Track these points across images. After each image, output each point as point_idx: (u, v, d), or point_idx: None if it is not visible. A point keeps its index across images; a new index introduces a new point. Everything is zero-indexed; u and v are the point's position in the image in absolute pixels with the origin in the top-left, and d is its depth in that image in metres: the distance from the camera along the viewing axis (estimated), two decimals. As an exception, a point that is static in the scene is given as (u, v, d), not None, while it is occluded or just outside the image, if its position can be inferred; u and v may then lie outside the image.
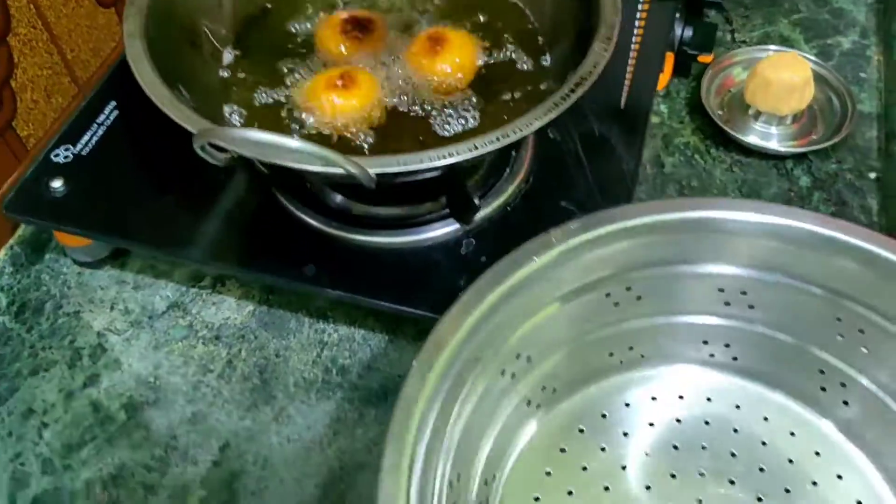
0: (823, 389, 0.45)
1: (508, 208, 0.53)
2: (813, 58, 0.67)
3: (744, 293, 0.44)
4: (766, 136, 0.65)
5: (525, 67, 0.53)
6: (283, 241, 0.53)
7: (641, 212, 0.41)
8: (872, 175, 0.63)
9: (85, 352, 0.56)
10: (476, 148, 0.39)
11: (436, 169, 0.40)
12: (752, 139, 0.64)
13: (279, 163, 0.37)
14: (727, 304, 0.45)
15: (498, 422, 0.43)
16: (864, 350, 0.43)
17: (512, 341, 0.40)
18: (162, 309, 0.58)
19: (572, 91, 0.41)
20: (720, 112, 0.66)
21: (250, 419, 0.52)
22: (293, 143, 0.34)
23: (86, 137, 0.57)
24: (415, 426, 0.35)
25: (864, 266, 0.40)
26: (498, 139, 0.39)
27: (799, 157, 0.64)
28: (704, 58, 0.66)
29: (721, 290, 0.44)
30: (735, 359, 0.47)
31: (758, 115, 0.65)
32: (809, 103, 0.64)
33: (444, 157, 0.39)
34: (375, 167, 0.38)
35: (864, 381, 0.44)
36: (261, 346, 0.56)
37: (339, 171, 0.38)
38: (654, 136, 0.66)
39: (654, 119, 0.67)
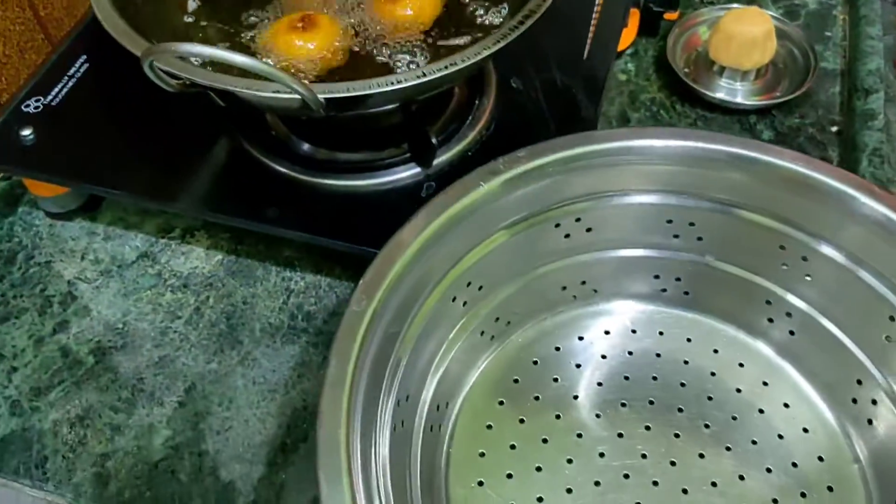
0: (771, 321, 0.46)
1: (469, 154, 0.54)
2: (778, 16, 0.68)
3: (692, 224, 0.45)
4: (730, 93, 0.65)
5: (483, 16, 0.54)
6: (250, 186, 0.54)
7: (585, 141, 0.42)
8: (834, 129, 0.64)
9: (55, 299, 0.56)
10: (424, 76, 0.40)
11: (385, 96, 0.40)
12: (716, 95, 0.64)
13: (226, 87, 0.38)
14: (676, 236, 0.46)
15: (451, 350, 0.44)
16: (807, 278, 0.44)
17: (461, 267, 0.41)
18: (132, 259, 0.58)
19: (521, 23, 0.42)
20: (686, 70, 0.67)
21: (216, 362, 0.53)
22: (239, 58, 0.35)
23: (56, 89, 0.58)
24: (358, 342, 0.36)
25: (800, 192, 0.41)
26: (446, 67, 0.40)
27: (762, 113, 0.65)
28: (670, 15, 0.67)
29: (669, 222, 0.45)
30: (686, 293, 0.48)
31: (722, 70, 0.65)
32: (773, 60, 0.65)
33: (392, 84, 0.40)
34: (324, 91, 0.39)
35: (809, 310, 0.44)
36: (228, 293, 0.57)
37: (288, 94, 0.38)
38: (622, 93, 0.67)
39: (621, 77, 0.68)
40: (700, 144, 0.41)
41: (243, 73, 0.40)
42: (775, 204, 0.42)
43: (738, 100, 0.65)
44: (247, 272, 0.58)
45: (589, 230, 0.45)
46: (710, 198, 0.42)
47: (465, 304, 0.43)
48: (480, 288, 0.44)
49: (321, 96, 0.39)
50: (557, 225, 0.44)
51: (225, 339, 0.54)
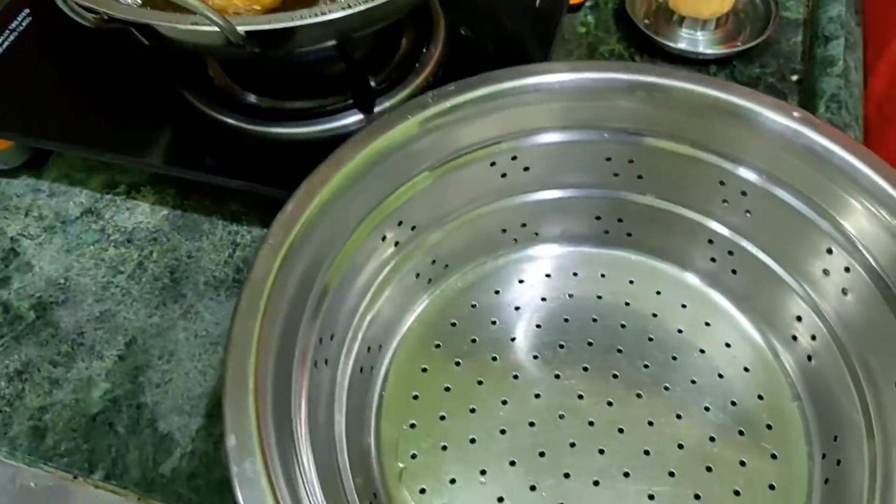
0: (713, 260, 0.45)
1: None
2: (738, -36, 0.67)
3: (631, 161, 0.44)
4: (691, 43, 0.64)
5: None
6: (194, 137, 0.53)
7: (518, 74, 0.41)
8: (794, 78, 0.62)
9: (-3, 256, 0.56)
10: (349, 6, 0.39)
11: (311, 31, 0.39)
12: (676, 45, 0.63)
13: (142, 20, 0.37)
14: (616, 174, 0.45)
15: (383, 291, 0.43)
16: (747, 214, 0.43)
17: (389, 205, 0.40)
18: (76, 215, 0.57)
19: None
20: (646, 21, 0.66)
21: (158, 316, 0.52)
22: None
23: (-3, 43, 0.57)
24: (273, 275, 0.35)
25: (736, 123, 0.40)
26: (374, -1, 0.39)
27: (723, 62, 0.63)
28: (629, -35, 0.65)
29: (608, 160, 0.44)
30: (629, 234, 0.47)
31: (682, 21, 0.64)
32: (735, 9, 0.64)
33: (316, 16, 0.39)
34: (244, 24, 0.38)
35: (751, 248, 0.43)
36: (173, 247, 0.56)
37: (208, 28, 0.37)
38: (581, 45, 0.66)
39: (581, 29, 0.67)
40: (604, 75, 0.40)
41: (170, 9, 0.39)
42: (713, 139, 0.41)
43: (699, 49, 0.63)
44: (192, 226, 0.57)
45: (526, 169, 0.44)
46: (649, 133, 0.41)
47: (396, 244, 0.42)
48: (413, 228, 0.43)
49: (241, 28, 0.38)
50: (493, 164, 0.43)
51: (168, 293, 0.53)
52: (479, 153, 0.42)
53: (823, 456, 0.40)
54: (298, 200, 0.37)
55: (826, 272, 0.40)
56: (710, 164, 0.42)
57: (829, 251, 0.40)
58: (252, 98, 0.54)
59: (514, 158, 0.43)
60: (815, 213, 0.39)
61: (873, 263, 0.38)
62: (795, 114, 0.39)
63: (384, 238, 0.41)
